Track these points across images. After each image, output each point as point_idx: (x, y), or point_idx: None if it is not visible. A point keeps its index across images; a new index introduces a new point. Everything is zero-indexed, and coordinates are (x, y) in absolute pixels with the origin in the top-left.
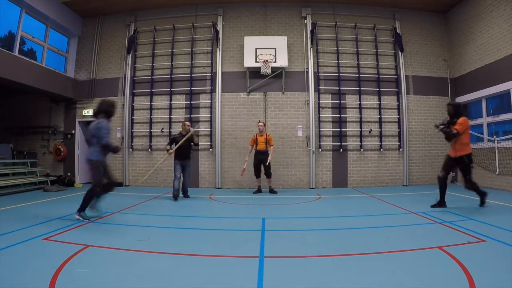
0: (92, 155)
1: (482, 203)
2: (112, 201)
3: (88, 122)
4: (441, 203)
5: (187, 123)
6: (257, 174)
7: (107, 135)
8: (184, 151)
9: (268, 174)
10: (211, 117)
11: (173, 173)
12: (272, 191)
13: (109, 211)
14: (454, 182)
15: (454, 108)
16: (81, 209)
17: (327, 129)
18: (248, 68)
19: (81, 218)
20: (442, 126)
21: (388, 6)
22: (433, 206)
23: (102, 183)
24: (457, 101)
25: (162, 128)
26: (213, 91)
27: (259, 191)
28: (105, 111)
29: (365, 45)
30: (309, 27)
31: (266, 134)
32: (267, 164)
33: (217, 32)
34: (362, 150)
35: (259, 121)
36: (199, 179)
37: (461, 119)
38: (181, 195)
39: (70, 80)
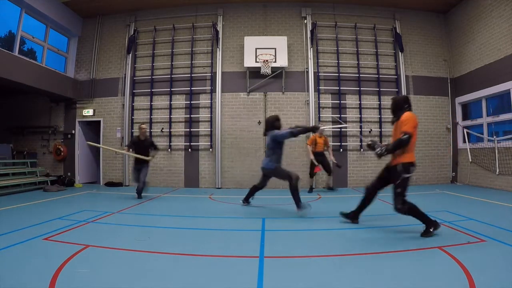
0: (267, 165)
1: (426, 233)
2: (112, 201)
3: (88, 122)
4: (354, 215)
5: (144, 126)
6: (312, 175)
7: (281, 133)
8: (141, 159)
9: (330, 172)
10: (211, 117)
11: (132, 176)
12: (330, 188)
13: (109, 211)
14: (454, 182)
15: (396, 102)
16: (298, 205)
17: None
18: (248, 68)
19: (303, 210)
20: (379, 150)
21: (388, 6)
22: (342, 214)
23: (294, 176)
24: (403, 95)
25: (162, 128)
26: (213, 91)
27: (310, 190)
28: (272, 126)
29: (365, 45)
30: (309, 27)
31: (324, 136)
32: (330, 165)
33: (217, 32)
34: (362, 150)
35: (320, 122)
36: (199, 179)
37: (405, 115)
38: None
39: (70, 80)
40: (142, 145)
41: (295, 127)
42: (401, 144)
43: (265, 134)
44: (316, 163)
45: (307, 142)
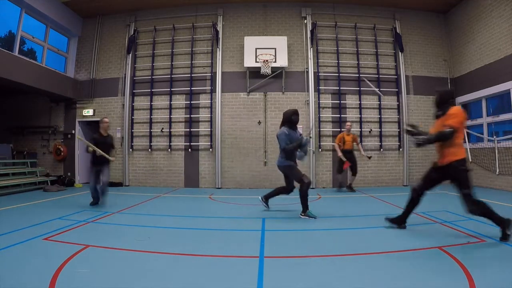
0: (279, 162)
1: (505, 236)
2: (112, 201)
3: (88, 122)
4: (400, 220)
5: (106, 120)
6: (340, 171)
7: (284, 141)
8: (101, 159)
9: (355, 172)
10: (211, 117)
11: (90, 180)
12: (351, 188)
13: (109, 211)
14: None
15: (442, 95)
16: (305, 209)
17: (327, 129)
18: (248, 68)
19: (307, 217)
20: (419, 138)
21: (388, 6)
22: (388, 219)
23: (307, 180)
24: (448, 88)
25: (162, 128)
26: (213, 91)
27: (340, 187)
28: (289, 121)
29: (365, 45)
30: (309, 27)
31: (352, 134)
32: (369, 158)
33: (217, 32)
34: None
35: (348, 121)
36: (199, 179)
37: (454, 109)
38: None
39: (70, 80)
40: (104, 142)
41: (292, 145)
42: (442, 137)
43: (280, 127)
44: (344, 159)
45: (336, 141)
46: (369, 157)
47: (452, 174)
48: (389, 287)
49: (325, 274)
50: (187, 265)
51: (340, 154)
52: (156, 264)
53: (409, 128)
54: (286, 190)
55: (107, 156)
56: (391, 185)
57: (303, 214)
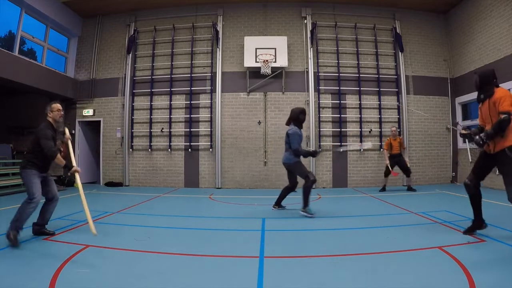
0: (286, 159)
1: (469, 230)
2: (112, 201)
3: (88, 122)
4: (478, 224)
5: (57, 106)
6: (386, 174)
7: (296, 141)
8: (48, 164)
9: (408, 174)
10: (211, 117)
11: (33, 194)
12: (410, 188)
13: (109, 211)
14: (454, 182)
15: (483, 75)
16: (305, 205)
17: (327, 129)
18: (248, 68)
19: (306, 214)
20: (479, 138)
21: (388, 6)
22: (466, 232)
23: (312, 177)
24: (487, 68)
25: (162, 128)
26: (213, 91)
27: (383, 189)
28: (296, 119)
29: (365, 45)
30: (309, 27)
31: (399, 137)
32: (407, 166)
33: (217, 32)
34: (362, 150)
35: (393, 126)
36: (199, 179)
37: (501, 92)
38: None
39: (70, 80)
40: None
41: (305, 150)
42: (503, 126)
43: (287, 125)
44: (391, 169)
45: (384, 147)
46: (408, 168)
47: (504, 160)
48: (389, 287)
49: (325, 274)
50: (187, 265)
51: (387, 162)
52: (156, 264)
53: (465, 132)
54: (291, 188)
55: (73, 160)
56: (391, 185)
57: (303, 210)
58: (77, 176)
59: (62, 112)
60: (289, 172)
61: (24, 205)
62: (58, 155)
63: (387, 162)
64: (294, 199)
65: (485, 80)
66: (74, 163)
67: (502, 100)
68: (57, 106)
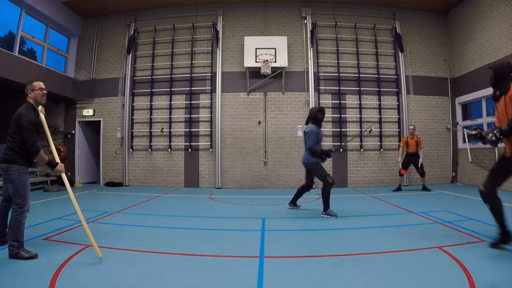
0: (305, 159)
1: (498, 243)
2: (112, 201)
3: (88, 122)
4: (505, 236)
5: (39, 84)
6: (400, 174)
7: (312, 139)
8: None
9: (422, 174)
10: (211, 117)
11: (24, 200)
12: (425, 188)
13: (109, 211)
14: (454, 182)
15: (498, 69)
16: (326, 208)
17: (327, 129)
18: (248, 68)
19: (328, 216)
20: (492, 135)
21: (388, 6)
22: (494, 245)
23: (330, 180)
24: (501, 61)
25: (162, 128)
26: (213, 91)
27: (399, 189)
28: (314, 118)
29: (365, 45)
30: (309, 27)
31: (416, 136)
32: (419, 166)
33: (217, 32)
34: (362, 150)
35: (410, 124)
36: (199, 179)
37: None
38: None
39: (70, 80)
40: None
41: (320, 149)
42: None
43: (306, 124)
44: (401, 167)
45: (400, 144)
46: (421, 165)
47: None
48: (389, 287)
49: (325, 274)
50: (187, 265)
51: (398, 159)
52: (156, 264)
53: (476, 133)
54: (307, 187)
55: (55, 159)
56: (391, 185)
57: (324, 213)
58: (64, 177)
59: (45, 91)
60: (307, 172)
61: (17, 217)
62: (41, 152)
63: (399, 159)
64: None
65: (500, 75)
66: (57, 158)
67: None
68: (39, 84)
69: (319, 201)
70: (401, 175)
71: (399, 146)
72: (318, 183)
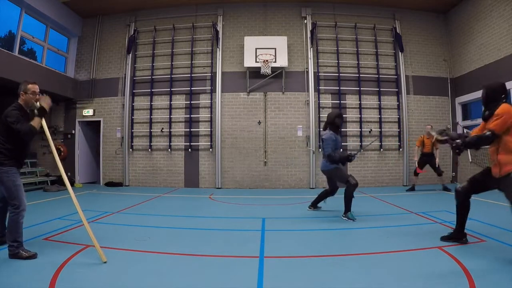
0: (324, 166)
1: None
2: (112, 201)
3: (88, 122)
4: (458, 235)
5: (34, 87)
6: (416, 173)
7: (330, 146)
8: (28, 146)
9: (440, 173)
10: (211, 117)
11: (19, 200)
12: (446, 188)
13: (109, 211)
14: (454, 182)
15: (489, 90)
16: (347, 210)
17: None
18: (248, 68)
19: (347, 219)
20: (458, 142)
21: (388, 6)
22: (445, 238)
23: (353, 182)
24: (498, 82)
25: (162, 128)
26: (213, 91)
27: (412, 189)
28: (332, 123)
29: (365, 45)
30: (309, 27)
31: (433, 136)
32: (436, 166)
33: (217, 32)
34: (362, 150)
35: (428, 124)
36: (199, 179)
37: (502, 108)
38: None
39: (70, 80)
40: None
41: (339, 155)
42: (481, 142)
43: (324, 130)
44: (417, 166)
45: (416, 144)
46: (438, 167)
47: (509, 184)
48: (389, 287)
49: (325, 274)
50: (187, 265)
51: (416, 158)
52: (156, 264)
53: (441, 138)
54: (331, 192)
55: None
56: (391, 185)
57: (344, 215)
58: (66, 180)
59: (37, 96)
60: (328, 178)
61: (15, 218)
62: (31, 123)
63: (416, 158)
64: (292, 200)
65: (492, 96)
66: (57, 158)
67: (497, 117)
68: (34, 87)
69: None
70: (416, 174)
71: (416, 146)
72: (319, 183)
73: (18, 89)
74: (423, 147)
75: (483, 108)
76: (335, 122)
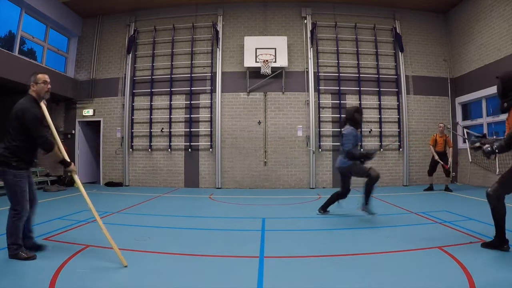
0: (341, 163)
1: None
2: (112, 201)
3: (88, 122)
4: (498, 242)
5: (44, 77)
6: (431, 173)
7: (350, 142)
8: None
9: (448, 173)
10: (211, 117)
11: (20, 202)
12: (448, 189)
13: (109, 211)
14: (454, 182)
15: (505, 81)
16: (366, 203)
17: (327, 129)
18: (248, 68)
19: (365, 212)
20: (488, 147)
21: (388, 6)
22: (485, 245)
23: (375, 174)
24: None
25: (162, 128)
26: (213, 91)
27: (430, 188)
28: (351, 119)
29: (365, 45)
30: (309, 27)
31: (446, 135)
32: (448, 166)
33: (217, 32)
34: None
35: (440, 122)
36: (199, 179)
37: None
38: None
39: (70, 80)
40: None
41: (358, 152)
42: (504, 149)
43: (342, 126)
44: (440, 162)
45: (430, 142)
46: (448, 168)
47: None
48: (389, 287)
49: (325, 274)
50: (187, 265)
51: (436, 157)
52: (156, 264)
53: (474, 139)
54: (343, 194)
55: (66, 158)
56: (391, 185)
57: (363, 208)
58: (76, 177)
59: (49, 86)
60: (343, 177)
61: (15, 222)
62: (56, 148)
63: (436, 157)
64: (292, 200)
65: (509, 86)
66: (67, 158)
67: None
68: (44, 76)
69: (319, 202)
70: (430, 174)
71: (429, 145)
72: (319, 183)
73: (29, 81)
74: (435, 146)
75: (500, 101)
76: (355, 118)
